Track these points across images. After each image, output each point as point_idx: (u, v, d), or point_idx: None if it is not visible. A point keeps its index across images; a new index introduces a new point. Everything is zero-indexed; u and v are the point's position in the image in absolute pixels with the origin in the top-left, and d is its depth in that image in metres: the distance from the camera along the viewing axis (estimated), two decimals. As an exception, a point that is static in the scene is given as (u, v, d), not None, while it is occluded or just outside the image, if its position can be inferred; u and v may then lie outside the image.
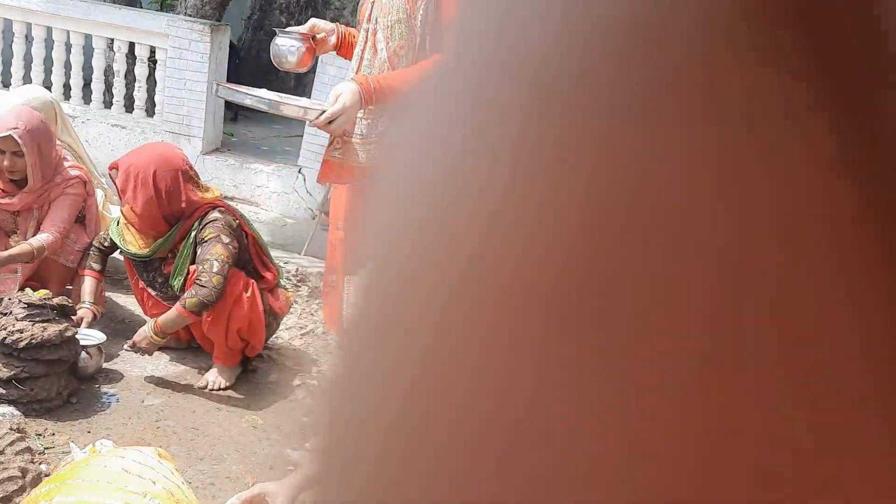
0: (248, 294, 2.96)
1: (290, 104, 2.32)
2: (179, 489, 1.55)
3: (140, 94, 5.66)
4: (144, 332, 2.86)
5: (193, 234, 2.91)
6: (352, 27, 2.47)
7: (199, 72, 5.15)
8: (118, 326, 3.40)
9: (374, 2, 2.22)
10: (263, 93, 2.45)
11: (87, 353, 2.88)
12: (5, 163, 3.07)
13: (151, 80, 5.63)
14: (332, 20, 2.85)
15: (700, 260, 0.12)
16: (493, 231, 0.13)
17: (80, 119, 5.53)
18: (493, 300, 0.13)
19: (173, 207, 2.89)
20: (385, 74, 2.14)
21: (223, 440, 2.63)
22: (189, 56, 5.14)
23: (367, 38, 2.23)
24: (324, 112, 2.10)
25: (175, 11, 6.61)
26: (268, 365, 3.28)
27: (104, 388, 2.84)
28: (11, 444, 1.92)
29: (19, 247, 3.10)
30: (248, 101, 2.36)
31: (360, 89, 2.08)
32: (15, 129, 3.00)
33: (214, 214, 2.89)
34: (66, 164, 3.29)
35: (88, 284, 3.15)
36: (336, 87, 2.10)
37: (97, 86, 5.71)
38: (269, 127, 7.07)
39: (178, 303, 2.82)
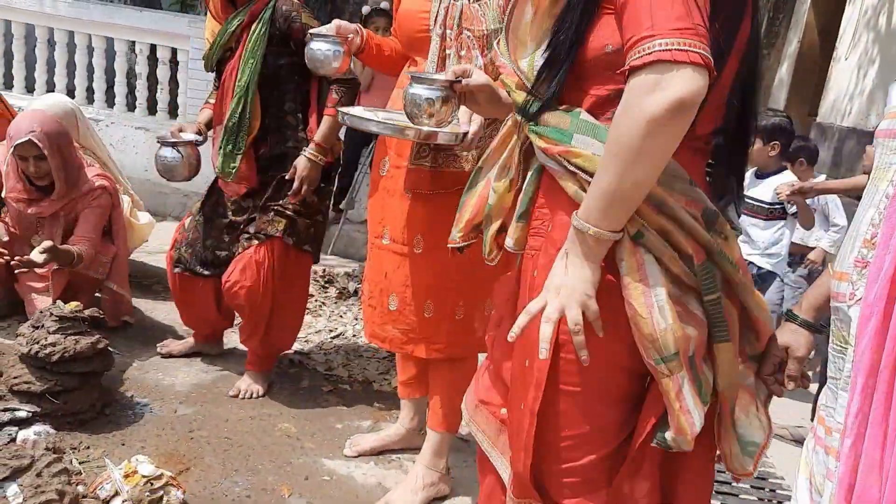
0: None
1: (429, 129, 1.89)
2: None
3: (163, 97, 5.66)
4: (303, 162, 2.78)
5: None
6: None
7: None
8: (148, 334, 3.39)
9: (447, 8, 2.17)
10: (392, 116, 2.19)
11: (179, 151, 2.87)
12: (31, 168, 3.07)
13: (174, 82, 5.62)
14: (352, 15, 2.81)
15: None
16: None
17: (103, 122, 5.54)
18: None
19: None
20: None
21: (257, 450, 2.61)
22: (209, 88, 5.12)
23: (447, 44, 2.19)
24: (466, 135, 2.03)
25: (195, 12, 6.60)
26: (299, 370, 3.26)
27: (137, 399, 2.83)
28: (48, 465, 1.90)
29: (67, 246, 3.13)
30: (373, 129, 2.10)
31: None
32: (33, 132, 3.00)
33: None
34: (91, 171, 3.28)
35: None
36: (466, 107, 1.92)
37: (120, 89, 5.72)
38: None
39: (325, 109, 2.83)
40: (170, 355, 3.20)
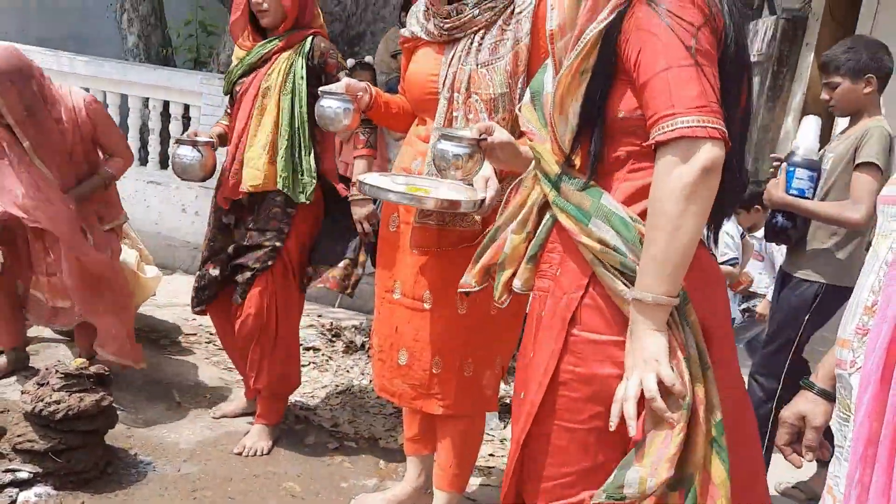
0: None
1: (447, 199, 2.02)
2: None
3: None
4: (356, 210, 2.76)
5: None
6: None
7: (232, 128, 5.21)
8: (154, 390, 3.38)
9: (454, 73, 2.21)
10: (412, 180, 2.22)
11: (199, 150, 2.84)
12: None
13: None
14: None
15: None
16: None
17: (116, 177, 5.60)
18: None
19: None
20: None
21: (261, 510, 2.58)
22: (222, 113, 5.19)
23: (455, 107, 2.23)
24: (483, 202, 2.07)
25: (208, 69, 6.73)
26: (305, 426, 3.23)
27: (140, 457, 2.80)
28: (47, 528, 1.88)
29: (90, 180, 3.17)
30: (392, 199, 2.11)
31: (497, 171, 2.10)
32: None
33: None
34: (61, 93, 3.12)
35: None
36: (482, 172, 2.03)
37: (133, 143, 5.79)
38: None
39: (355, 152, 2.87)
40: (223, 416, 3.20)
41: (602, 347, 1.41)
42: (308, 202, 2.87)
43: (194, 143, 2.87)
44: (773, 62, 13.79)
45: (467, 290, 1.76)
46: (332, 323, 4.43)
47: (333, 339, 4.21)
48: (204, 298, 3.02)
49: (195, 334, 4.08)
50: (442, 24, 2.25)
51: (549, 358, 1.44)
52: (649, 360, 1.31)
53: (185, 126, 5.70)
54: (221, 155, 2.90)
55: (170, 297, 4.13)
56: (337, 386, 3.66)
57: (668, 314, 1.34)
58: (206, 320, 4.12)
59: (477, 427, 2.51)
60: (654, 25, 1.32)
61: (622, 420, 1.32)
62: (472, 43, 2.22)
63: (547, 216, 1.53)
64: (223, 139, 3.04)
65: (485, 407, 2.44)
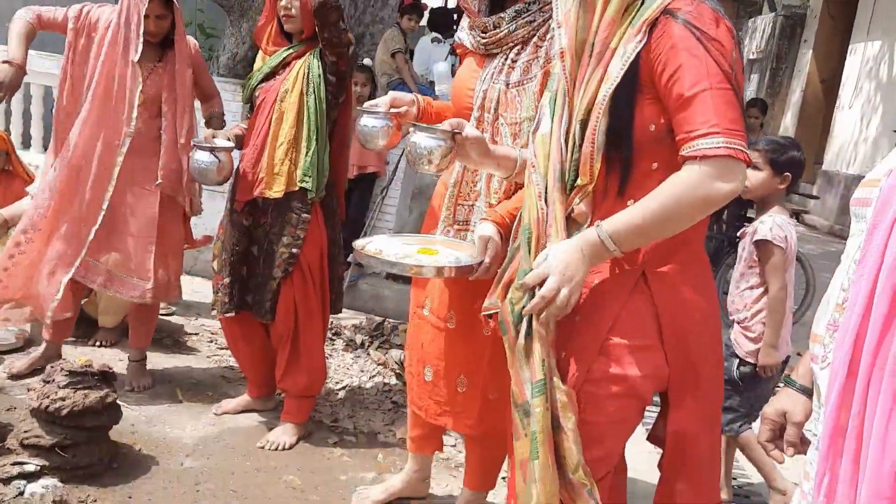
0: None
1: (446, 266, 1.96)
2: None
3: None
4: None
5: None
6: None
7: (232, 130, 5.27)
8: (157, 387, 3.44)
9: (484, 91, 2.15)
10: (411, 241, 2.17)
11: (216, 156, 2.90)
12: (151, 27, 3.14)
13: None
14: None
15: None
16: None
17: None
18: None
19: None
20: (509, 205, 2.07)
21: (262, 503, 2.64)
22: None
23: (483, 128, 2.16)
24: (482, 264, 2.00)
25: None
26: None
27: (144, 452, 2.86)
28: (54, 518, 1.94)
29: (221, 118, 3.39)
30: (388, 269, 2.06)
31: (498, 230, 2.03)
32: None
33: None
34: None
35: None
36: (480, 232, 2.03)
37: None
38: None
39: None
40: (225, 413, 3.26)
41: (635, 351, 1.56)
42: (320, 199, 2.97)
43: (212, 149, 2.93)
44: (772, 59, 13.80)
45: (491, 311, 1.77)
46: (332, 322, 4.49)
47: (334, 337, 4.27)
48: (234, 304, 3.08)
49: (197, 334, 4.14)
50: (479, 38, 2.18)
51: (582, 359, 1.57)
52: (567, 275, 1.49)
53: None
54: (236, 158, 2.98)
55: (172, 297, 4.19)
56: (337, 382, 3.72)
57: (602, 261, 1.54)
58: (207, 320, 4.21)
59: (503, 446, 2.38)
60: (693, 47, 1.44)
61: (635, 412, 1.59)
62: (506, 60, 2.14)
63: (577, 232, 1.58)
64: (240, 140, 3.10)
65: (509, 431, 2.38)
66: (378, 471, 2.96)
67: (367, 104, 2.24)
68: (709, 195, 1.43)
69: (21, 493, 2.13)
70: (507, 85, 2.12)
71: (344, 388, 3.67)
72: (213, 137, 3.03)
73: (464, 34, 2.26)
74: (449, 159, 1.87)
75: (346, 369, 3.91)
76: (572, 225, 1.59)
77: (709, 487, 1.71)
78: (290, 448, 3.03)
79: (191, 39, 3.36)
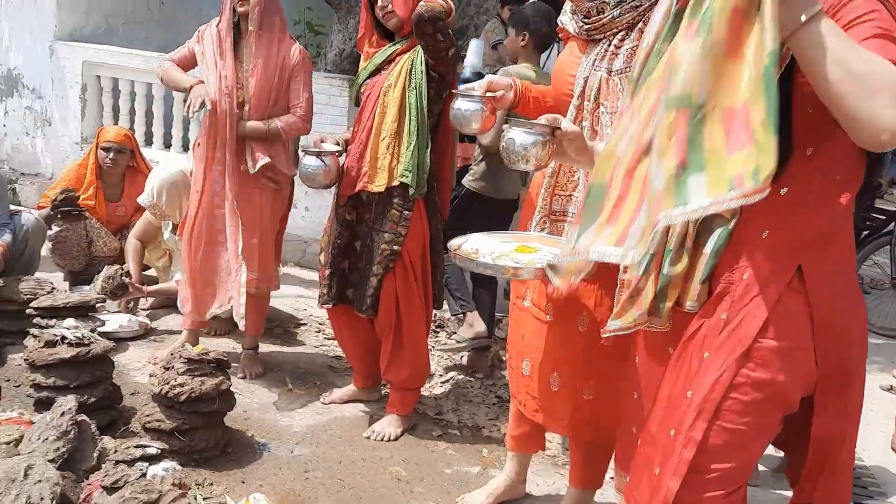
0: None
1: (539, 267, 1.86)
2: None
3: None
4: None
5: None
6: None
7: (338, 125, 5.36)
8: (269, 376, 3.54)
9: (586, 78, 2.11)
10: (509, 239, 2.11)
11: (322, 160, 2.98)
12: None
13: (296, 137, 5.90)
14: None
15: None
16: None
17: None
18: None
19: None
20: None
21: (368, 493, 2.67)
22: (329, 111, 5.36)
23: (582, 116, 2.11)
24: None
25: (315, 69, 6.93)
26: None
27: (257, 438, 2.96)
28: (174, 500, 2.02)
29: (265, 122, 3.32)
30: (478, 270, 1.99)
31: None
32: None
33: None
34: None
35: None
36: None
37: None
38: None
39: None
40: (332, 402, 3.33)
41: (785, 354, 1.42)
42: (418, 195, 2.96)
43: (319, 153, 3.01)
44: None
45: (615, 333, 1.64)
46: (434, 314, 4.50)
47: (437, 329, 4.29)
48: (333, 296, 3.14)
49: (306, 324, 4.25)
50: (582, 23, 2.12)
51: (727, 362, 1.44)
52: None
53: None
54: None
55: (282, 289, 4.30)
56: (440, 376, 3.73)
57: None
58: (316, 311, 4.30)
59: (608, 449, 2.32)
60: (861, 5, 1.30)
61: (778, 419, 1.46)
62: (609, 46, 2.08)
63: (718, 232, 1.47)
64: (347, 144, 3.15)
65: (605, 437, 2.18)
66: (483, 465, 2.95)
67: (462, 87, 2.21)
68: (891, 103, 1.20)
69: (144, 475, 2.24)
70: (610, 72, 2.06)
71: (447, 381, 3.68)
72: (322, 142, 3.10)
73: (566, 18, 2.20)
74: (547, 155, 1.77)
75: (451, 362, 3.91)
76: (717, 220, 1.46)
77: (847, 492, 1.59)
78: (396, 439, 3.06)
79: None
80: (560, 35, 2.31)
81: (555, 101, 2.27)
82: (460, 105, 2.11)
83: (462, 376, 3.74)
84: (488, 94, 2.14)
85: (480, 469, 2.92)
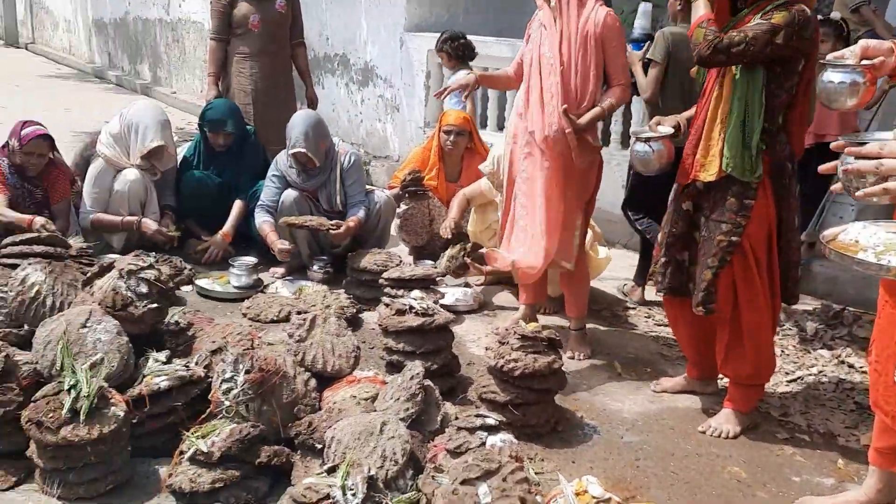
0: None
1: None
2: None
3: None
4: None
5: None
6: None
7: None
8: (596, 358, 3.50)
9: None
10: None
11: (651, 146, 2.90)
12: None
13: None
14: None
15: None
16: None
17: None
18: None
19: None
20: None
21: (704, 490, 2.50)
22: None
23: None
24: None
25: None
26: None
27: (586, 420, 2.92)
28: (512, 472, 2.05)
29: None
30: (872, 272, 1.48)
31: None
32: None
33: None
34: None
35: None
36: None
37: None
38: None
39: None
40: (664, 391, 3.21)
41: None
42: (755, 181, 2.68)
43: (647, 140, 2.91)
44: None
45: None
46: (782, 308, 4.10)
47: (785, 323, 3.89)
48: (666, 285, 2.97)
49: (635, 308, 4.12)
50: None
51: None
52: None
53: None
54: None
55: (611, 271, 4.23)
56: (787, 374, 3.38)
57: None
58: (646, 295, 4.16)
59: None
60: None
61: None
62: None
63: None
64: (680, 128, 2.95)
65: None
66: (838, 478, 2.61)
67: (831, 55, 1.93)
68: None
69: (483, 444, 2.31)
70: None
71: (795, 380, 3.32)
72: (658, 125, 2.95)
73: None
74: (867, 93, 1.83)
75: (798, 360, 3.53)
76: None
77: None
78: (734, 437, 2.83)
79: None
80: None
81: None
82: (831, 77, 1.89)
83: (813, 377, 3.35)
84: (864, 62, 1.84)
85: (835, 482, 2.59)
